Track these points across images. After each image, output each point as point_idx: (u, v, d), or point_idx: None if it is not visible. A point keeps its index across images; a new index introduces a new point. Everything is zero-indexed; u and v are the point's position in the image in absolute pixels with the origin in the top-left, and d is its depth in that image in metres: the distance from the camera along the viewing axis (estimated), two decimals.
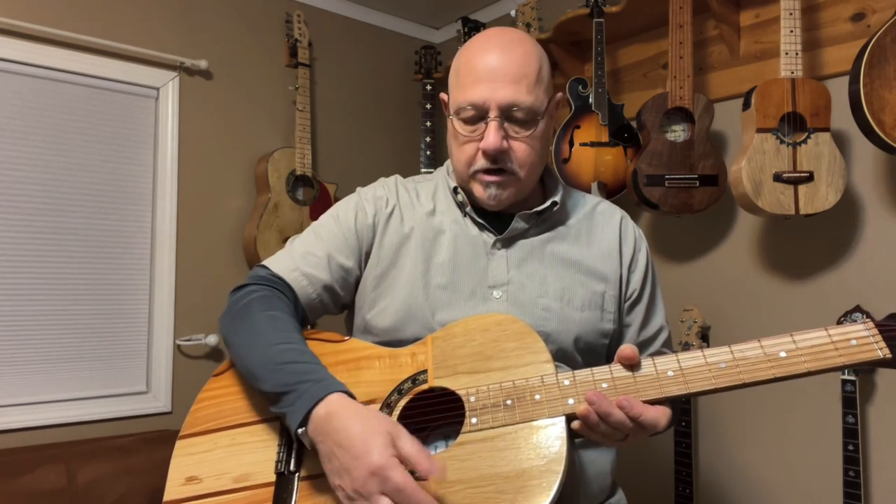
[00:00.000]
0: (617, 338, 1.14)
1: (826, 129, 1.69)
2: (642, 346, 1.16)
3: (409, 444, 0.81)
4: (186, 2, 2.44)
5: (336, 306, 1.15)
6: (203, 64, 2.42)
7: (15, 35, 2.08)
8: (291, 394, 0.90)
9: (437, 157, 2.66)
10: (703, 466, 2.10)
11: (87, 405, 2.18)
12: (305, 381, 0.90)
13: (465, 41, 2.57)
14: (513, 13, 2.40)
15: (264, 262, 1.13)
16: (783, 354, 0.84)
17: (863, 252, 1.81)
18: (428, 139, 2.65)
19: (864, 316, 1.67)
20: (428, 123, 2.67)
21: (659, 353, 1.17)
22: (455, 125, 1.07)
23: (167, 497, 0.94)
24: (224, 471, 0.94)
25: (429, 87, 2.72)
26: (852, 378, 1.66)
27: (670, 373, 0.85)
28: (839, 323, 1.70)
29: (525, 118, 1.03)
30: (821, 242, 1.88)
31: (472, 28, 2.58)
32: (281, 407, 0.91)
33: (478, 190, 1.07)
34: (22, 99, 2.12)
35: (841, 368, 0.82)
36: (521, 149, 1.05)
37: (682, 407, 1.98)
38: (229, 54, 2.53)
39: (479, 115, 1.04)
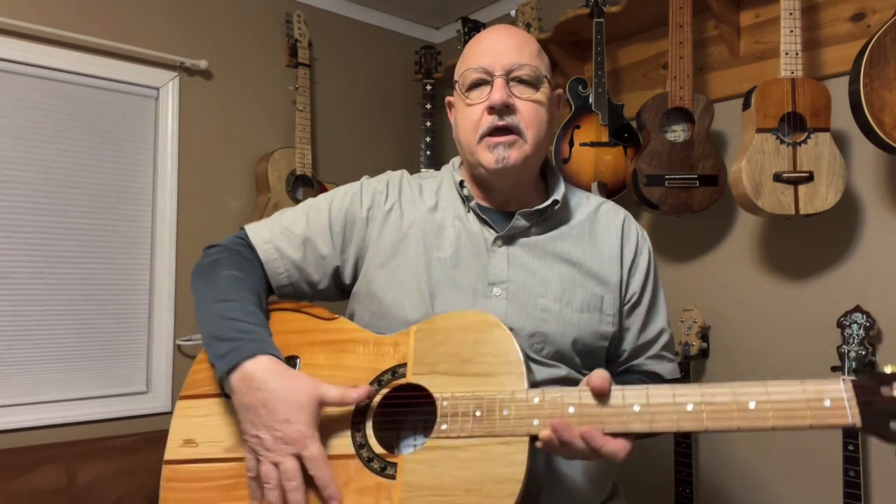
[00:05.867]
0: (617, 340, 1.13)
1: (826, 129, 1.69)
2: (641, 348, 1.15)
3: (352, 396, 0.92)
4: (186, 2, 2.44)
5: (311, 289, 1.15)
6: (203, 64, 2.42)
7: (15, 35, 2.08)
8: (228, 344, 0.96)
9: (437, 157, 2.66)
10: (703, 466, 2.10)
11: (87, 405, 2.18)
12: (243, 339, 0.96)
13: (465, 41, 2.58)
14: (513, 13, 2.40)
15: (245, 227, 1.17)
16: (752, 406, 0.80)
17: (863, 252, 1.81)
18: (428, 139, 2.65)
19: (865, 316, 1.67)
20: (428, 123, 2.67)
21: (647, 372, 1.16)
22: (462, 97, 1.10)
23: (167, 456, 1.00)
24: (217, 438, 0.98)
25: (429, 87, 2.72)
26: (853, 378, 1.65)
27: (636, 407, 0.83)
28: (839, 324, 1.70)
29: (528, 78, 1.06)
30: (821, 242, 1.88)
31: (472, 28, 2.58)
32: (215, 356, 0.97)
33: (485, 157, 1.06)
34: (22, 99, 2.12)
35: (807, 429, 0.79)
36: (526, 108, 1.06)
37: None
38: (229, 54, 2.53)
39: (484, 80, 1.07)
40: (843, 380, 0.80)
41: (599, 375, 0.85)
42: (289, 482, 0.87)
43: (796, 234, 1.93)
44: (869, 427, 0.77)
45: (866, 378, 0.80)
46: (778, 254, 1.98)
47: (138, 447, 2.06)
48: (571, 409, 0.85)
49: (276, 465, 0.88)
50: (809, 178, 1.68)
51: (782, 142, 1.69)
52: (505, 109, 1.04)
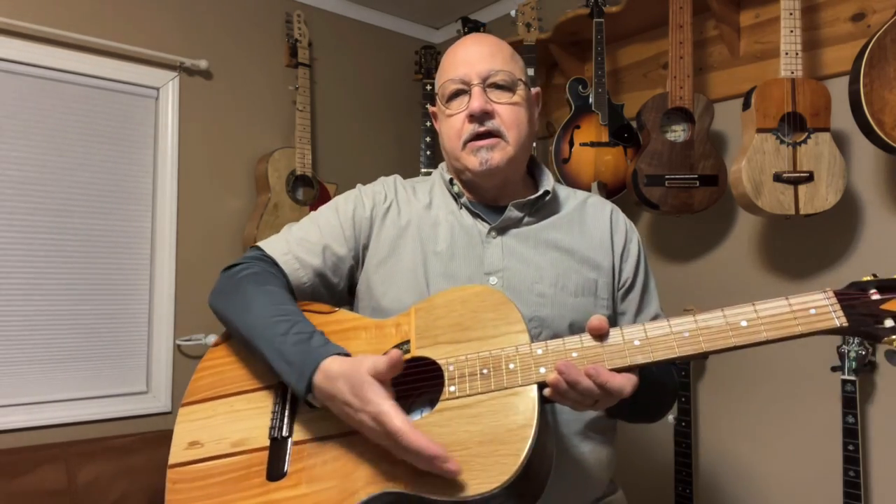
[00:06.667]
0: (612, 325, 1.14)
1: (826, 129, 1.69)
2: None
3: (382, 364, 0.87)
4: (186, 2, 2.44)
5: (329, 292, 1.17)
6: (203, 64, 2.42)
7: (15, 35, 2.08)
8: (291, 367, 0.95)
9: (437, 157, 2.66)
10: (703, 466, 2.10)
11: (87, 405, 2.18)
12: (300, 352, 0.95)
13: None
14: (513, 13, 2.40)
15: (258, 244, 1.17)
16: (744, 324, 0.86)
17: (863, 252, 1.81)
18: (428, 139, 2.65)
19: None
20: (428, 123, 2.66)
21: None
22: (442, 108, 1.14)
23: (172, 460, 1.01)
24: (223, 436, 1.01)
25: (429, 87, 2.72)
26: (852, 378, 1.66)
27: (636, 342, 0.88)
28: None
29: (504, 83, 1.11)
30: (821, 242, 1.88)
31: (472, 28, 2.58)
32: (285, 378, 0.96)
33: (470, 161, 1.11)
34: (22, 99, 2.12)
35: (799, 337, 0.83)
36: (505, 111, 1.11)
37: (681, 401, 1.98)
38: (229, 54, 2.53)
39: (462, 90, 1.11)
40: (825, 290, 0.85)
41: (597, 317, 0.90)
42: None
43: (796, 234, 1.93)
44: (855, 328, 0.82)
45: (845, 288, 0.85)
46: (778, 254, 1.98)
47: (138, 447, 2.06)
48: (575, 354, 0.89)
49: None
50: (809, 178, 1.68)
51: (782, 142, 1.69)
52: (485, 116, 1.09)
